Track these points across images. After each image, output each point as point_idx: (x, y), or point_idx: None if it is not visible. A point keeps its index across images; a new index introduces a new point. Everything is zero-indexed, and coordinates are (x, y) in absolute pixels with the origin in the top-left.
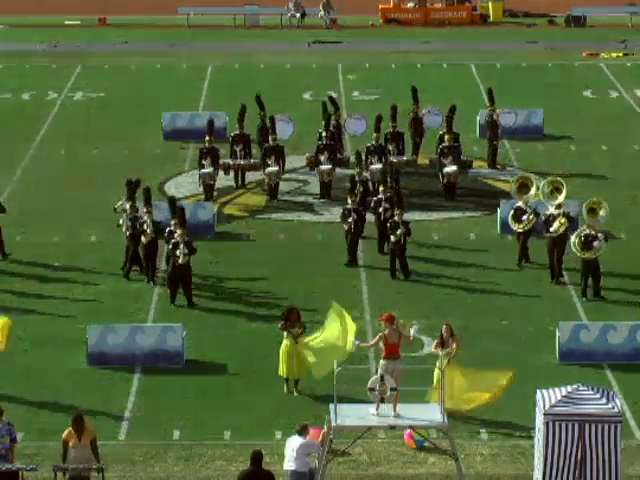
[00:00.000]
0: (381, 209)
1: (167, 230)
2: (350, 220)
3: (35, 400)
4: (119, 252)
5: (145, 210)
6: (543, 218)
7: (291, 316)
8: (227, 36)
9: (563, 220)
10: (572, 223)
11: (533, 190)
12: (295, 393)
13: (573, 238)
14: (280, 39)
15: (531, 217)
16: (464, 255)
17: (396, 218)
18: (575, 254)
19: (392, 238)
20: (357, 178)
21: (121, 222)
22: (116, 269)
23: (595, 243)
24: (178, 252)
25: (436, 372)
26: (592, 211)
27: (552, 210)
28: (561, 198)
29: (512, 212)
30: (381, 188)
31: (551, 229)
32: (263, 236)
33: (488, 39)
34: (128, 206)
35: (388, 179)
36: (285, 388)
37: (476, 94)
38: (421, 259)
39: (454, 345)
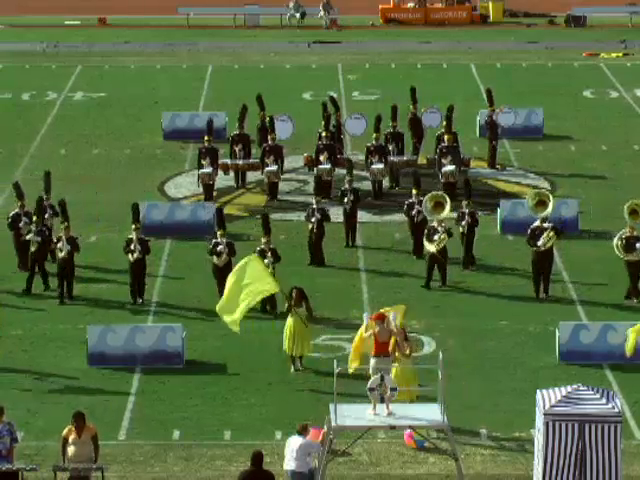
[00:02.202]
0: (414, 212)
1: (213, 242)
2: (314, 220)
3: (35, 400)
4: (119, 252)
5: (133, 227)
6: (529, 231)
7: (296, 296)
8: (227, 36)
9: (551, 234)
10: (559, 237)
11: (447, 209)
12: (300, 368)
13: (615, 240)
14: (280, 39)
15: (442, 236)
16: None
17: (464, 209)
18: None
19: (460, 229)
20: (348, 186)
21: (29, 237)
22: (116, 269)
23: (638, 245)
24: (267, 261)
25: (394, 371)
26: (634, 213)
27: (538, 223)
28: (548, 211)
29: (425, 232)
30: (414, 191)
31: (538, 243)
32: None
33: (488, 39)
34: (34, 223)
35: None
36: (292, 368)
37: (476, 94)
38: (421, 259)
39: (408, 349)
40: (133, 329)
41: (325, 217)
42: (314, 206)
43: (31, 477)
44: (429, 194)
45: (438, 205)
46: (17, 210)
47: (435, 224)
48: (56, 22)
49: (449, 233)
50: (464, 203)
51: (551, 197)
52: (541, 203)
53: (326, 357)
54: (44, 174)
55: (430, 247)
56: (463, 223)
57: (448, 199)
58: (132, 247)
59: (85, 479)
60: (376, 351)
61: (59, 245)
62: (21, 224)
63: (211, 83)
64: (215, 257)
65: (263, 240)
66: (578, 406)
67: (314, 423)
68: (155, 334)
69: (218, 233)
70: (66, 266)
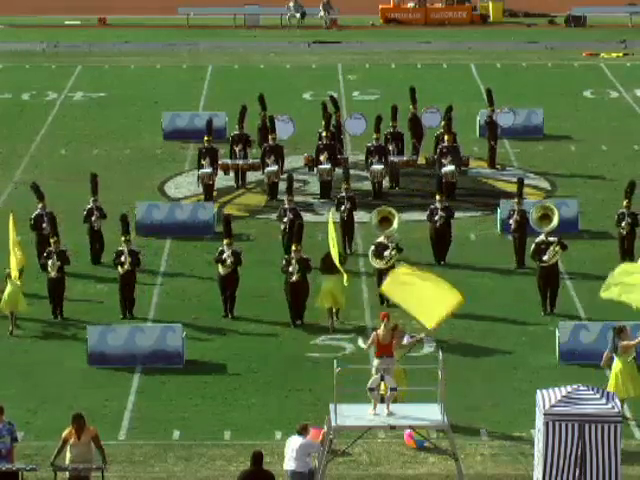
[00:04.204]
0: (437, 217)
1: (219, 250)
2: (286, 220)
3: (35, 400)
4: None
5: (123, 239)
6: (534, 245)
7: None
8: (227, 36)
9: (557, 248)
10: (566, 250)
11: (395, 224)
12: (335, 323)
13: None
14: (280, 39)
15: (393, 253)
16: (464, 255)
17: (514, 207)
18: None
19: (512, 226)
20: (345, 193)
21: None
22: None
23: None
24: (291, 269)
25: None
26: None
27: (543, 237)
28: (552, 225)
29: (373, 248)
30: (437, 197)
31: (544, 257)
32: (263, 236)
33: (488, 39)
34: None
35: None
36: (329, 322)
37: (476, 94)
38: (421, 258)
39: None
40: (133, 329)
41: (297, 217)
42: (286, 206)
43: (31, 477)
44: (376, 209)
45: (385, 220)
46: (39, 211)
47: (383, 240)
48: (56, 22)
49: (399, 249)
50: (514, 202)
51: (556, 211)
52: (545, 217)
53: (326, 357)
54: (90, 176)
55: (378, 264)
56: (511, 221)
57: (396, 214)
58: (122, 259)
59: (85, 479)
60: (379, 352)
61: (50, 262)
62: (44, 224)
63: (211, 83)
64: (220, 265)
65: (293, 248)
66: (578, 406)
67: (314, 423)
68: (155, 334)
69: (224, 241)
70: (57, 283)
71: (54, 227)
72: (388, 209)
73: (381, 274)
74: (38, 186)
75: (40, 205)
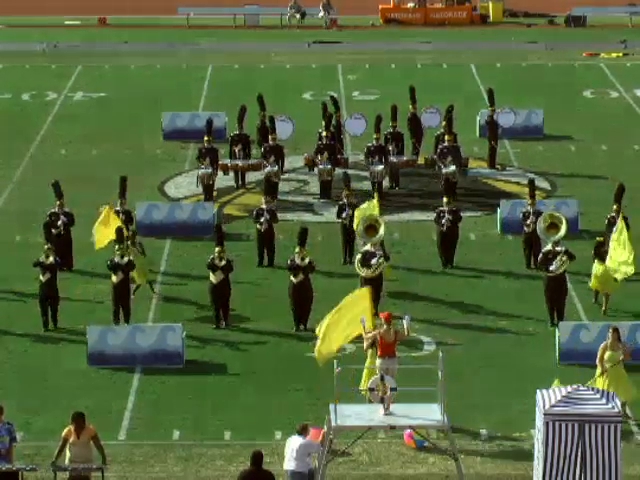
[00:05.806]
0: (444, 220)
1: (210, 257)
2: (262, 220)
3: (35, 400)
4: None
5: (117, 248)
6: (541, 255)
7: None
8: (227, 36)
9: (565, 258)
10: (573, 260)
11: (381, 231)
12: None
13: None
14: (280, 39)
15: (380, 261)
16: (464, 255)
17: (529, 208)
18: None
19: (525, 229)
20: (346, 200)
21: None
22: None
23: None
24: (298, 262)
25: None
26: None
27: (550, 247)
28: (560, 235)
29: (359, 256)
30: (444, 199)
31: (551, 267)
32: None
33: (488, 39)
34: None
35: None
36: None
37: (476, 94)
38: (421, 259)
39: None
40: (133, 329)
41: (274, 218)
42: (263, 206)
43: (31, 477)
44: (362, 217)
45: (370, 228)
46: (56, 209)
47: (370, 248)
48: (56, 22)
49: (386, 257)
50: (528, 202)
51: (564, 220)
52: (553, 226)
53: None
54: (120, 179)
55: (364, 272)
56: (528, 222)
57: (382, 222)
58: (116, 266)
59: (85, 479)
60: (381, 352)
61: (50, 259)
62: (59, 222)
63: (211, 83)
64: (211, 272)
65: (296, 250)
66: (578, 406)
67: (314, 423)
68: (155, 334)
69: (216, 249)
70: (49, 290)
71: (50, 235)
72: (374, 217)
73: (369, 283)
74: (59, 184)
75: (58, 203)
